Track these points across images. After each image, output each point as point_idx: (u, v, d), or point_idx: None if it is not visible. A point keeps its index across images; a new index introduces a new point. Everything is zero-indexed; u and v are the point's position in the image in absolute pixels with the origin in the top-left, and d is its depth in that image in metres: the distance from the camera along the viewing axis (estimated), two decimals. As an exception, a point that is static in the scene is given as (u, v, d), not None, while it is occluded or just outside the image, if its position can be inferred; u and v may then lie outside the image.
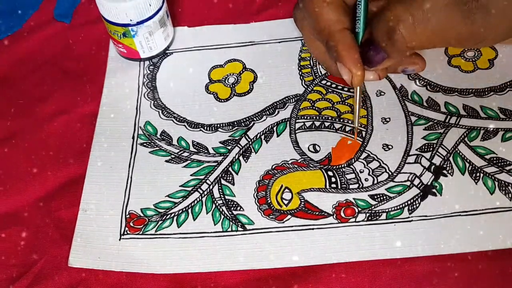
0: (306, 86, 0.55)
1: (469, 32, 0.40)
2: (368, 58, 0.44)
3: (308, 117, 0.53)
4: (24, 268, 0.47)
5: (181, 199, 0.49)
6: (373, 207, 0.47)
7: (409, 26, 0.41)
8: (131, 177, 0.51)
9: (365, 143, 0.51)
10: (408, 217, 0.46)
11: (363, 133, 0.51)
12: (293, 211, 0.48)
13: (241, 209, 0.48)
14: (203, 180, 0.50)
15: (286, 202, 0.48)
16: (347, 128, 0.52)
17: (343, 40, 0.44)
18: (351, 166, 0.50)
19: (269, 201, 0.48)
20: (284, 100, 0.55)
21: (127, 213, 0.49)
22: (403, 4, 0.41)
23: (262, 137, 0.52)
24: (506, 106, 0.51)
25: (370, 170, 0.49)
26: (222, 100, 0.55)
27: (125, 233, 0.48)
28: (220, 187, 0.50)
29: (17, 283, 0.46)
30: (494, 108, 0.51)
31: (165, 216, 0.49)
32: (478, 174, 0.48)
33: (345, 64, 0.44)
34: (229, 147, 0.52)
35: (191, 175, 0.51)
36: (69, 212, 0.50)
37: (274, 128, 0.53)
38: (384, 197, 0.48)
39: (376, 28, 0.43)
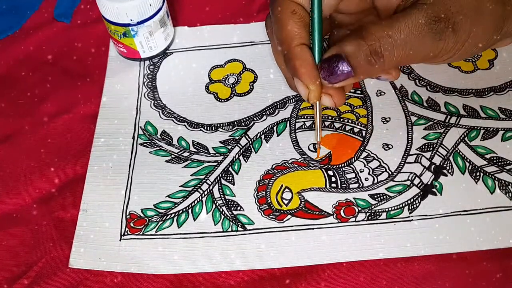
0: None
1: (440, 50, 0.42)
2: (332, 74, 0.43)
3: (308, 117, 0.53)
4: (24, 268, 0.47)
5: (181, 199, 0.49)
6: (373, 207, 0.47)
7: (390, 48, 0.41)
8: (131, 178, 0.51)
9: (365, 143, 0.51)
10: (408, 217, 0.46)
11: (363, 132, 0.51)
12: (293, 211, 0.48)
13: (241, 209, 0.48)
14: (203, 180, 0.50)
15: (286, 202, 0.48)
16: (347, 127, 0.52)
17: (301, 55, 0.44)
18: (351, 166, 0.50)
19: (269, 201, 0.48)
20: (284, 100, 0.55)
21: (127, 214, 0.49)
22: (381, 26, 0.41)
23: (262, 136, 0.52)
24: (506, 106, 0.51)
25: (370, 170, 0.49)
26: (222, 100, 0.56)
27: (126, 233, 0.48)
28: (220, 187, 0.50)
29: (17, 283, 0.46)
30: (494, 108, 0.51)
31: (165, 217, 0.49)
32: (478, 174, 0.48)
33: (301, 79, 0.44)
34: (229, 147, 0.52)
35: (191, 175, 0.51)
36: (69, 212, 0.50)
37: (274, 128, 0.53)
38: (384, 196, 0.48)
39: (352, 47, 0.42)
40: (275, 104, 0.54)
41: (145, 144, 0.53)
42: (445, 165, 0.49)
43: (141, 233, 0.48)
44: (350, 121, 0.52)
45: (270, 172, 0.50)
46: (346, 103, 0.53)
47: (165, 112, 0.55)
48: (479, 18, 0.42)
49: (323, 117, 0.53)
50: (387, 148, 0.50)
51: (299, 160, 0.50)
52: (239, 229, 0.47)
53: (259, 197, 0.49)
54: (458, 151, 0.49)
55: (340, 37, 0.47)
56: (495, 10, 0.42)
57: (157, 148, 0.53)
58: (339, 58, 0.43)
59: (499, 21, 0.43)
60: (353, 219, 0.47)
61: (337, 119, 0.52)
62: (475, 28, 0.42)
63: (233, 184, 0.50)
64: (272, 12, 0.46)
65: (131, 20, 0.54)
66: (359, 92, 0.54)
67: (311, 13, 0.45)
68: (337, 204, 0.48)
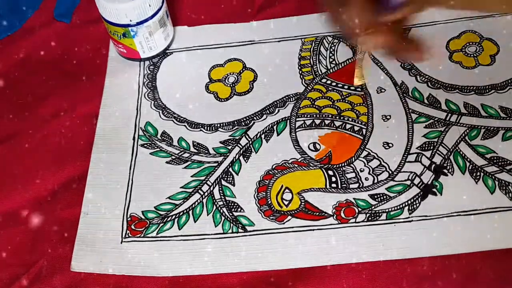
0: (306, 85, 0.55)
1: None
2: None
3: (308, 115, 0.53)
4: (24, 268, 0.48)
5: (181, 200, 0.49)
6: (373, 207, 0.47)
7: None
8: (132, 180, 0.51)
9: (366, 141, 0.51)
10: (408, 217, 0.46)
11: (363, 130, 0.51)
12: (293, 212, 0.48)
13: (242, 210, 0.48)
14: (204, 181, 0.50)
15: (286, 202, 0.48)
16: (348, 126, 0.52)
17: None
18: (351, 165, 0.50)
19: (270, 202, 0.49)
20: (284, 99, 0.55)
21: (128, 216, 0.49)
22: None
23: (262, 136, 0.52)
24: (507, 105, 0.51)
25: (370, 169, 0.49)
26: (222, 100, 0.55)
27: (127, 236, 0.48)
28: (220, 188, 0.50)
29: (17, 283, 0.47)
30: (495, 106, 0.51)
31: (166, 218, 0.49)
32: (478, 174, 0.48)
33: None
34: (229, 147, 0.52)
35: (191, 176, 0.51)
36: (69, 212, 0.50)
37: (274, 127, 0.53)
38: (384, 196, 0.48)
39: None
40: (275, 103, 0.54)
41: (145, 145, 0.53)
42: (445, 165, 0.49)
43: (142, 235, 0.48)
44: (350, 119, 0.52)
45: (270, 172, 0.50)
46: (346, 101, 0.53)
47: (165, 113, 0.55)
48: None
49: (324, 116, 0.52)
50: (387, 147, 0.50)
51: (299, 160, 0.50)
52: (240, 230, 0.47)
53: (259, 198, 0.49)
54: (459, 150, 0.49)
55: None
56: None
57: (158, 149, 0.53)
58: None
59: None
60: (353, 220, 0.47)
61: (337, 117, 0.52)
62: None
63: (234, 185, 0.50)
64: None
65: (131, 20, 0.54)
66: (359, 89, 0.54)
67: None
68: (337, 205, 0.48)
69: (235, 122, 0.54)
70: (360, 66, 0.49)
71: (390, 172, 0.49)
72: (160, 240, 0.48)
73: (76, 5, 0.64)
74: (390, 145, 0.50)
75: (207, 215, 0.49)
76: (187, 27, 0.61)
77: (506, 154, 0.48)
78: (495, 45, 0.55)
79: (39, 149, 0.54)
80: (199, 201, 0.49)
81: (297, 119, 0.53)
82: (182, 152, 0.52)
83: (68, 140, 0.55)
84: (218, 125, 0.54)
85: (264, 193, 0.49)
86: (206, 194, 0.50)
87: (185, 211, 0.49)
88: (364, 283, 0.44)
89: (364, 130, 0.51)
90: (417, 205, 0.47)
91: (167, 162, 0.52)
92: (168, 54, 0.59)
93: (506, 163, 0.48)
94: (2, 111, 0.57)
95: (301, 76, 0.56)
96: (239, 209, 0.49)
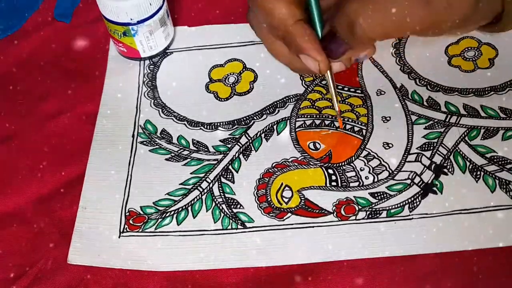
0: (306, 86, 0.55)
1: (429, 19, 0.41)
2: (331, 50, 0.45)
3: (308, 116, 0.53)
4: (24, 268, 0.47)
5: (181, 197, 0.49)
6: (373, 205, 0.47)
7: (369, 17, 0.41)
8: (131, 175, 0.51)
9: (366, 141, 0.51)
10: (409, 215, 0.46)
11: (363, 131, 0.51)
12: (293, 209, 0.48)
13: (241, 207, 0.48)
14: (203, 178, 0.50)
15: (286, 200, 0.48)
16: (348, 126, 0.52)
17: (300, 31, 0.44)
18: (352, 164, 0.50)
19: (269, 199, 0.48)
20: (284, 99, 0.55)
21: (126, 211, 0.49)
22: None
23: (262, 135, 0.52)
24: (507, 106, 0.51)
25: (371, 168, 0.49)
26: (222, 100, 0.55)
27: (125, 230, 0.48)
28: (220, 185, 0.50)
29: (17, 283, 0.46)
30: (495, 107, 0.51)
31: (164, 214, 0.48)
32: (478, 173, 0.48)
33: (309, 54, 0.45)
34: (229, 146, 0.52)
35: (191, 173, 0.51)
36: (69, 212, 0.50)
37: (274, 127, 0.53)
38: (385, 195, 0.48)
39: (338, 21, 0.43)
40: (275, 103, 0.54)
41: (144, 143, 0.53)
42: (445, 164, 0.49)
43: (140, 230, 0.48)
44: (350, 120, 0.52)
45: (270, 170, 0.50)
46: (346, 103, 0.53)
47: (165, 111, 0.55)
48: None
49: (324, 116, 0.53)
50: (387, 147, 0.50)
51: (299, 159, 0.50)
52: (239, 227, 0.47)
53: (259, 195, 0.49)
54: (459, 150, 0.49)
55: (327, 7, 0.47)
56: None
57: (157, 146, 0.53)
58: (331, 37, 0.44)
59: None
60: (354, 217, 0.47)
61: (337, 118, 0.52)
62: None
63: (233, 182, 0.50)
64: (255, 4, 0.46)
65: (131, 19, 0.54)
66: (359, 91, 0.54)
67: None
68: (337, 203, 0.48)
69: (235, 121, 0.54)
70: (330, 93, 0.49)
71: (390, 171, 0.49)
72: (159, 235, 0.47)
73: (76, 5, 0.64)
74: (390, 145, 0.50)
75: (206, 211, 0.48)
76: (188, 27, 0.61)
77: (506, 153, 0.48)
78: (493, 49, 0.55)
79: (39, 149, 0.54)
80: (198, 197, 0.49)
81: (297, 119, 0.53)
82: (182, 150, 0.52)
83: (68, 140, 0.54)
84: (218, 124, 0.54)
85: (264, 191, 0.49)
86: (205, 191, 0.49)
87: (184, 207, 0.49)
88: (365, 280, 0.44)
89: (364, 131, 0.51)
90: (418, 203, 0.47)
91: (166, 159, 0.52)
92: (168, 54, 0.59)
93: (506, 162, 0.48)
94: (2, 111, 0.57)
95: (301, 78, 0.56)
96: (238, 206, 0.48)
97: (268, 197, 0.48)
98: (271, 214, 0.48)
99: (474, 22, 0.45)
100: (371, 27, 0.42)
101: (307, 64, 0.45)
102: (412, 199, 0.47)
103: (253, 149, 0.52)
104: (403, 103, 0.53)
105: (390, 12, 0.41)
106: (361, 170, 0.49)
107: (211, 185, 0.50)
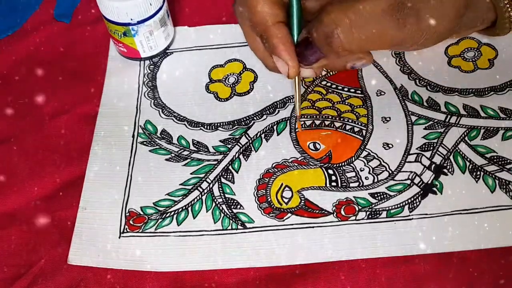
0: (306, 87, 0.55)
1: (402, 37, 0.42)
2: (304, 56, 0.45)
3: (308, 116, 0.53)
4: (24, 268, 0.47)
5: (181, 197, 0.49)
6: (373, 205, 0.47)
7: (347, 30, 0.42)
8: (131, 176, 0.51)
9: (366, 142, 0.51)
10: (409, 215, 0.46)
11: (363, 131, 0.51)
12: (293, 209, 0.48)
13: (241, 208, 0.48)
14: (203, 179, 0.50)
15: (286, 200, 0.48)
16: (347, 127, 0.52)
17: (278, 32, 0.45)
18: (351, 165, 0.50)
19: (269, 200, 0.48)
20: (284, 100, 0.55)
21: (126, 211, 0.49)
22: (341, 8, 0.42)
23: (262, 135, 0.52)
24: (507, 106, 0.51)
25: (371, 169, 0.49)
26: (222, 100, 0.55)
27: (125, 231, 0.48)
28: (220, 186, 0.50)
29: (17, 283, 0.46)
30: (494, 107, 0.51)
31: (165, 215, 0.48)
32: (478, 173, 0.48)
33: (280, 56, 0.45)
34: (229, 146, 0.52)
35: (191, 173, 0.51)
36: (69, 212, 0.50)
37: (274, 127, 0.53)
38: (385, 195, 0.48)
39: (314, 29, 0.43)
40: (275, 103, 0.54)
41: (144, 143, 0.53)
42: (445, 164, 0.49)
43: (141, 230, 0.48)
44: (350, 120, 0.52)
45: (270, 170, 0.50)
46: (346, 103, 0.53)
47: (165, 111, 0.55)
48: (440, 5, 0.42)
49: (324, 116, 0.53)
50: (387, 148, 0.50)
51: (299, 159, 0.50)
52: (239, 227, 0.47)
53: (259, 195, 0.49)
54: (459, 150, 0.49)
55: (309, 13, 0.48)
56: None
57: (157, 146, 0.53)
58: (306, 43, 0.44)
59: (460, 8, 0.43)
60: (353, 217, 0.47)
61: (337, 118, 0.52)
62: (436, 15, 0.42)
63: (233, 182, 0.50)
64: None
65: (132, 19, 0.54)
66: (359, 92, 0.54)
67: None
68: (337, 203, 0.48)
69: (235, 122, 0.54)
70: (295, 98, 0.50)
71: (390, 171, 0.49)
72: (159, 236, 0.47)
73: (76, 5, 0.64)
74: (390, 145, 0.50)
75: (206, 211, 0.48)
76: (188, 27, 0.61)
77: (506, 153, 0.48)
78: (493, 49, 0.55)
79: (39, 149, 0.54)
80: (198, 198, 0.49)
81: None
82: (182, 150, 0.52)
83: (68, 140, 0.54)
84: (218, 124, 0.54)
85: (264, 191, 0.49)
86: (205, 191, 0.49)
87: (184, 208, 0.49)
88: (364, 280, 0.44)
89: (364, 131, 0.51)
90: (418, 203, 0.47)
91: (166, 160, 0.52)
92: (169, 54, 0.59)
93: (506, 162, 0.48)
94: (2, 111, 0.57)
95: (301, 78, 0.56)
96: (238, 206, 0.48)
97: (268, 197, 0.49)
98: (271, 215, 0.48)
99: (461, 33, 0.46)
100: (349, 40, 0.42)
101: (277, 66, 0.46)
102: (412, 199, 0.47)
103: (253, 149, 0.52)
104: (403, 103, 0.53)
105: (368, 27, 0.41)
106: (361, 170, 0.49)
107: (211, 185, 0.50)
